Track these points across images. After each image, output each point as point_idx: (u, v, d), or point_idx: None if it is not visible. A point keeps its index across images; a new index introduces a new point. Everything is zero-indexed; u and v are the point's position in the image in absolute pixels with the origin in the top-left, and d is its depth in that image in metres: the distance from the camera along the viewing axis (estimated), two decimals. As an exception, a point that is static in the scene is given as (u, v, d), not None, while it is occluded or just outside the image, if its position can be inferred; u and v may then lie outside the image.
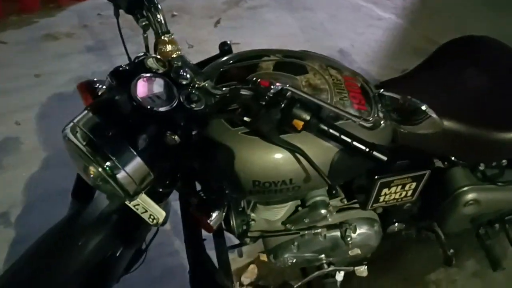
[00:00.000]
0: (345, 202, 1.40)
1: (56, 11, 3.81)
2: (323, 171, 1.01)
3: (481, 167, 1.27)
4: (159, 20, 0.99)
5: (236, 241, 1.46)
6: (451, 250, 1.59)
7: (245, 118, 0.94)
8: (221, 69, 1.12)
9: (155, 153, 0.94)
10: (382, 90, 0.84)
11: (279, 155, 1.01)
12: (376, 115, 0.85)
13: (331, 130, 0.91)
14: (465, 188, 1.29)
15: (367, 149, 0.90)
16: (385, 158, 0.91)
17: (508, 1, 3.52)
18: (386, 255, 1.55)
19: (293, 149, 0.96)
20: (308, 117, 0.89)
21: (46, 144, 2.52)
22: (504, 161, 1.29)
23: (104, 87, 1.12)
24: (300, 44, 3.25)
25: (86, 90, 1.13)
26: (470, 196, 1.29)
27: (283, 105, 0.89)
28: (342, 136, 0.91)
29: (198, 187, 1.17)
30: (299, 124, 0.90)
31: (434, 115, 0.80)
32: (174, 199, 1.21)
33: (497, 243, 1.56)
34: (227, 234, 1.36)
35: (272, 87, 0.92)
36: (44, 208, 2.09)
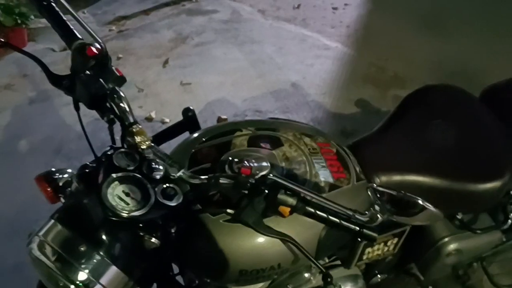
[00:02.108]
0: (327, 261, 1.36)
1: (-8, 61, 3.62)
2: (312, 251, 0.97)
3: (459, 216, 1.28)
4: (123, 109, 0.92)
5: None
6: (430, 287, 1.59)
7: (229, 211, 0.88)
8: (192, 150, 1.06)
9: (132, 258, 0.86)
10: (375, 185, 0.81)
11: (265, 241, 0.95)
12: (371, 209, 0.82)
13: (318, 212, 0.87)
14: (446, 239, 1.29)
15: (357, 229, 0.87)
16: (376, 236, 0.88)
17: (444, 24, 3.67)
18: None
19: (282, 238, 0.91)
20: (294, 202, 0.84)
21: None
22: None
23: (65, 176, 1.04)
24: (253, 80, 3.24)
25: (45, 182, 1.04)
26: (451, 246, 1.29)
27: (266, 193, 0.85)
28: (330, 217, 0.87)
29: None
30: (285, 210, 0.85)
31: (431, 208, 0.77)
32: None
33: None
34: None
35: (253, 175, 0.87)
36: (-2, 288, 1.92)
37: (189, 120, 1.28)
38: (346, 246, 1.26)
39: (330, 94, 3.06)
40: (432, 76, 3.05)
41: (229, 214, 0.89)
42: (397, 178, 1.17)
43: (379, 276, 1.45)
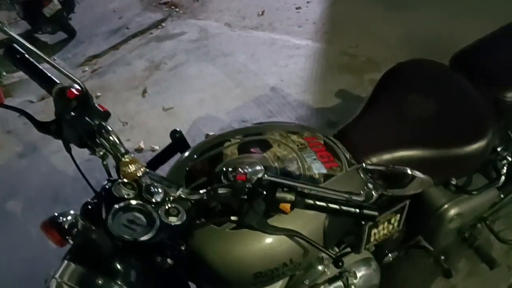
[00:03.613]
0: (337, 250, 1.39)
1: (-29, 124, 3.61)
2: (319, 241, 1.00)
3: (453, 181, 1.31)
4: (113, 142, 0.95)
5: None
6: (442, 257, 1.62)
7: (232, 218, 0.91)
8: (186, 168, 1.09)
9: (149, 282, 0.89)
10: (365, 165, 0.85)
11: (273, 240, 0.99)
12: (365, 188, 0.86)
13: (317, 202, 0.90)
14: (446, 206, 1.33)
15: (357, 211, 0.90)
16: (376, 214, 0.91)
17: (404, 2, 3.75)
18: (381, 281, 1.54)
19: (289, 234, 0.95)
20: (293, 198, 0.88)
21: (4, 270, 2.34)
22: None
23: (69, 218, 1.06)
24: (232, 90, 3.27)
25: (51, 228, 1.06)
26: (452, 212, 1.33)
27: (265, 194, 0.88)
28: (330, 205, 0.90)
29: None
30: (286, 207, 0.88)
31: (420, 175, 0.81)
32: None
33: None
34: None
35: (249, 179, 0.90)
36: None
37: (178, 141, 1.31)
38: (352, 232, 1.29)
39: (309, 90, 3.10)
40: (403, 53, 3.06)
41: (233, 221, 0.92)
42: (386, 156, 1.21)
43: (390, 255, 1.48)
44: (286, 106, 3.00)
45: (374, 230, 1.27)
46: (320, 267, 1.27)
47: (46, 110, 3.47)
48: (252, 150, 1.10)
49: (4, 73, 3.80)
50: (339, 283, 1.36)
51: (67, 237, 1.06)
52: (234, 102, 3.16)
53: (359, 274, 1.36)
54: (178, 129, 1.34)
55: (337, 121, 2.73)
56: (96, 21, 5.10)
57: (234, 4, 4.57)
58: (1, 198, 2.85)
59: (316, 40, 3.62)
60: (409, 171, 0.81)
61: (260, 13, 4.26)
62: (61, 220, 1.06)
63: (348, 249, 1.38)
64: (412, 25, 3.44)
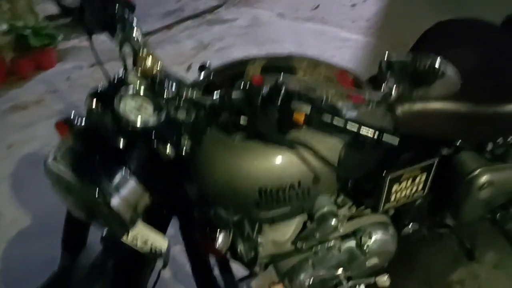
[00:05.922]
0: (354, 210, 1.32)
1: (23, 82, 3.74)
2: (332, 174, 0.94)
3: (489, 147, 1.22)
4: (135, 37, 0.93)
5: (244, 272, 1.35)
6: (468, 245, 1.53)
7: (241, 121, 0.87)
8: (206, 80, 1.06)
9: (148, 171, 0.86)
10: (388, 56, 0.78)
11: (283, 157, 0.94)
12: (385, 83, 0.79)
13: (334, 120, 0.84)
14: (477, 171, 1.23)
15: (376, 133, 0.84)
16: (396, 140, 0.84)
17: (452, 2, 3.65)
18: (401, 261, 1.45)
19: (297, 145, 0.89)
20: (308, 109, 0.82)
21: (25, 215, 2.39)
22: (510, 138, 1.24)
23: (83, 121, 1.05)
24: (275, 75, 3.25)
25: (65, 128, 1.05)
26: (483, 178, 1.23)
27: (280, 101, 0.83)
28: (348, 124, 0.85)
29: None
30: (300, 118, 0.83)
31: (449, 71, 0.73)
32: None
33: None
34: (234, 268, 1.27)
35: (265, 84, 0.86)
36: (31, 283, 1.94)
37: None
38: (371, 188, 1.22)
39: (354, 80, 3.04)
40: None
41: (243, 126, 0.87)
42: (419, 106, 1.14)
43: (410, 225, 1.39)
44: (327, 93, 2.95)
45: (396, 186, 1.19)
46: (333, 222, 1.20)
47: (94, 76, 3.57)
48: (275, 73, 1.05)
49: (60, 38, 3.92)
50: (352, 242, 1.29)
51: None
52: (275, 85, 3.13)
53: (374, 237, 1.28)
54: (207, 64, 1.32)
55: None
56: (153, 3, 5.22)
57: (290, -3, 4.57)
58: (38, 150, 2.93)
59: (367, 36, 3.55)
60: (437, 62, 0.73)
61: (315, 7, 4.23)
62: (76, 122, 1.05)
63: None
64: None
